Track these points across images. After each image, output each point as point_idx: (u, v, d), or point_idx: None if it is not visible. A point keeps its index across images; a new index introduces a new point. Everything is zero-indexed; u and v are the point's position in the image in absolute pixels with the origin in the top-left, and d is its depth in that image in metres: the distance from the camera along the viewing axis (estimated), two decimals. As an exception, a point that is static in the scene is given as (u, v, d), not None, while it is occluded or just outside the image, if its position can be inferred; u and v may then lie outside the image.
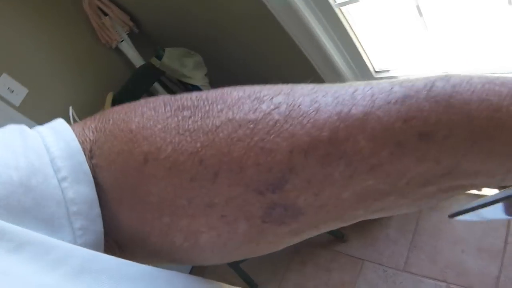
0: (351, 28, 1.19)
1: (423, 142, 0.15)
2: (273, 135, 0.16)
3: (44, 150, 0.18)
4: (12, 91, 1.57)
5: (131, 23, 1.54)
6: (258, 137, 0.16)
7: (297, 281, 1.52)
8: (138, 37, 1.58)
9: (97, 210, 0.18)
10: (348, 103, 0.16)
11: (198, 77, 1.23)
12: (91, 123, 0.20)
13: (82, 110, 1.35)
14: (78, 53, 1.57)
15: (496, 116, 0.15)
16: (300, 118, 0.16)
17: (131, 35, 1.57)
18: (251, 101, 0.17)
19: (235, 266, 1.51)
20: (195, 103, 0.18)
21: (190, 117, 0.18)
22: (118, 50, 1.56)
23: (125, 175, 0.18)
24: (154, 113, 0.18)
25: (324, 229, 0.19)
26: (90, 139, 0.19)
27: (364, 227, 1.48)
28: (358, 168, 0.16)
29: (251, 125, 0.17)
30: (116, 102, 1.34)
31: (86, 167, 0.18)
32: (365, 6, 1.14)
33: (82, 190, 0.17)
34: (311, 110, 0.16)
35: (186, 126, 0.18)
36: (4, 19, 1.41)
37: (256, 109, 0.17)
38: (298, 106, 0.17)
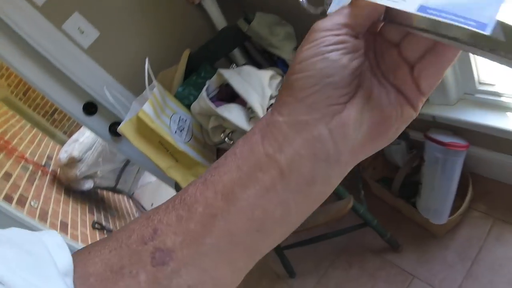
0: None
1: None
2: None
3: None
4: (82, 32, 1.52)
5: (218, -19, 1.45)
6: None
7: (338, 281, 1.45)
8: (223, -3, 1.50)
9: None
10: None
11: (286, 49, 1.13)
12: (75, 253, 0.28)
13: (156, 63, 1.28)
14: (158, 3, 1.51)
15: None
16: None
17: (216, -7, 1.49)
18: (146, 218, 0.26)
19: (279, 251, 1.45)
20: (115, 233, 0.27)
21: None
22: (200, 7, 1.48)
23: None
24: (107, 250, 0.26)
25: (212, 273, 0.25)
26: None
27: (422, 242, 1.38)
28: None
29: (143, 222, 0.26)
30: (192, 60, 1.27)
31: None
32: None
33: (67, 280, 0.24)
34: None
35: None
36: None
37: (148, 221, 0.26)
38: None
